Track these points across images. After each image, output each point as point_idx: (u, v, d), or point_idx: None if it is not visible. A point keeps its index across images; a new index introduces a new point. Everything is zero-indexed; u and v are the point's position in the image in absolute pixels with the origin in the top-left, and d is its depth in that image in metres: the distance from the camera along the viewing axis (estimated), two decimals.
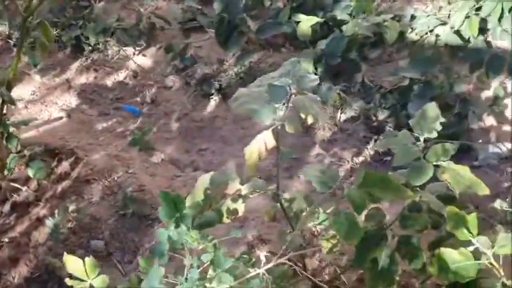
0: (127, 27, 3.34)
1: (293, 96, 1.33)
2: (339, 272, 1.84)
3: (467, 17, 2.77)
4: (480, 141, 2.60)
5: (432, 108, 1.60)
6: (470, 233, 1.34)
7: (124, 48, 3.32)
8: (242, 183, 1.44)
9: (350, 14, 2.98)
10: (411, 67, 2.71)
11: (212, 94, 3.01)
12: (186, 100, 3.02)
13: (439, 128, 1.55)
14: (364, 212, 1.51)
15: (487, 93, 2.82)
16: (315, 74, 2.81)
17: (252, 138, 2.79)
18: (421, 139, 1.55)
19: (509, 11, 3.03)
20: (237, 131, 2.85)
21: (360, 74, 2.87)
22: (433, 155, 1.52)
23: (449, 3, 3.17)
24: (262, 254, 1.77)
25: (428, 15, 3.13)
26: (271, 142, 1.32)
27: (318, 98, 1.36)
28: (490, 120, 2.72)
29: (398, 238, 1.44)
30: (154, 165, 2.69)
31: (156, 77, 3.18)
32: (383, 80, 2.80)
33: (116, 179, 2.48)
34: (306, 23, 2.85)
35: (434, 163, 1.51)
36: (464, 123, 2.61)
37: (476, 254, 1.33)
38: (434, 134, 1.53)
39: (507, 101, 2.80)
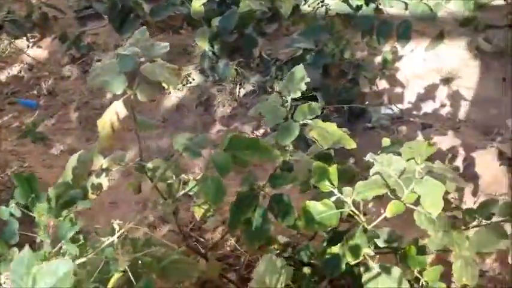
0: (18, 19, 3.19)
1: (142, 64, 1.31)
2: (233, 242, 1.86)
3: None
4: (368, 104, 2.68)
5: (299, 70, 1.63)
6: (332, 184, 1.39)
7: (17, 41, 3.18)
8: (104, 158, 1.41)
9: None
10: (303, 38, 2.75)
11: None
12: (85, 89, 2.94)
13: (304, 88, 1.58)
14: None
15: (380, 59, 2.92)
16: (211, 51, 2.82)
17: (156, 120, 2.79)
18: (289, 100, 1.59)
19: None
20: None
21: (257, 49, 2.89)
22: (300, 114, 1.56)
23: None
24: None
25: None
26: (123, 112, 1.30)
27: (168, 64, 1.34)
28: (382, 84, 2.82)
29: (270, 197, 1.47)
30: (54, 157, 2.61)
31: (52, 68, 3.09)
32: (280, 53, 2.83)
33: (9, 174, 2.39)
34: (198, 1, 2.83)
35: (302, 122, 1.55)
36: (357, 88, 2.69)
37: (340, 204, 1.38)
38: (298, 94, 1.56)
39: (399, 64, 2.91)
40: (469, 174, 2.35)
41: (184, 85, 2.91)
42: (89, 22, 3.32)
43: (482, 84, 2.69)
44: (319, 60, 2.65)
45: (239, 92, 2.77)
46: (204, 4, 2.99)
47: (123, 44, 3.09)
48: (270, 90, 2.67)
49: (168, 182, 1.43)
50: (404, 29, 2.81)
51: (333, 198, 1.38)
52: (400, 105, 2.72)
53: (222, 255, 1.71)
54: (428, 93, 2.72)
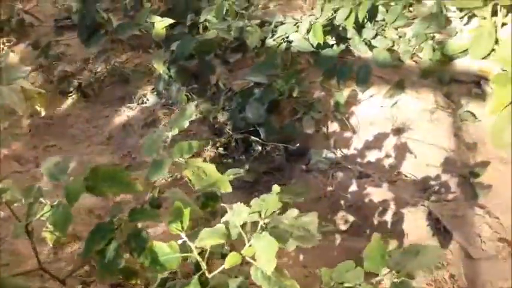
0: None
1: None
2: None
3: (311, 24, 2.83)
4: (310, 145, 2.64)
5: (190, 109, 1.63)
6: (183, 227, 1.37)
7: None
8: None
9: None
10: (257, 71, 2.75)
11: (71, 92, 3.00)
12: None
13: (186, 126, 1.58)
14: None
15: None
16: (168, 74, 2.85)
17: (102, 136, 2.82)
18: (169, 135, 1.58)
19: (369, 20, 3.13)
20: (88, 130, 2.85)
21: (215, 77, 2.90)
22: (178, 151, 1.55)
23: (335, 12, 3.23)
24: None
25: (296, 23, 3.20)
26: None
27: (19, 87, 1.35)
28: (334, 126, 2.78)
29: (129, 232, 1.46)
30: None
31: None
32: (233, 84, 2.83)
33: None
34: (160, 24, 2.87)
35: (178, 159, 1.54)
36: (302, 128, 2.66)
37: (186, 248, 1.36)
38: (176, 131, 1.55)
39: (355, 108, 2.87)
40: (396, 230, 2.29)
41: (138, 104, 2.94)
42: (65, 32, 3.40)
43: (432, 139, 2.62)
44: (266, 96, 2.64)
45: None
46: (171, 27, 3.05)
47: (92, 58, 3.21)
48: (212, 119, 2.66)
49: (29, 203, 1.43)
50: (363, 74, 2.80)
51: (180, 242, 1.36)
52: (345, 150, 2.67)
53: (81, 280, 1.69)
54: (376, 141, 2.66)
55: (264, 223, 1.29)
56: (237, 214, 1.34)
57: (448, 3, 3.02)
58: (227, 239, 1.30)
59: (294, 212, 1.42)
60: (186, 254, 1.34)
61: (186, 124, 1.57)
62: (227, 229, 1.31)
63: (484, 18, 2.85)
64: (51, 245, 1.49)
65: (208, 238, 1.30)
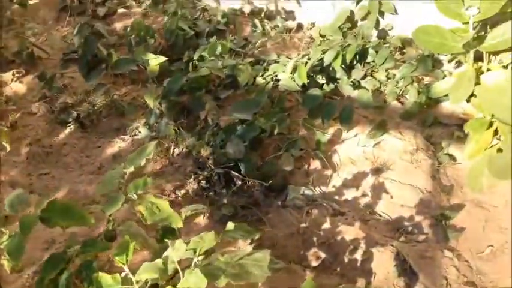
0: (8, 55, 3.52)
1: None
2: None
3: (296, 65, 2.94)
4: (289, 182, 2.72)
5: (150, 147, 1.74)
6: (127, 260, 1.47)
7: (4, 74, 3.50)
8: None
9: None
10: (241, 108, 2.86)
11: (69, 122, 3.17)
12: (44, 126, 3.17)
13: (143, 163, 1.68)
14: None
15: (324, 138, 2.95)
16: (159, 109, 2.99)
17: (93, 166, 2.95)
18: (127, 172, 1.69)
19: (358, 61, 3.23)
20: (81, 159, 2.99)
21: (204, 112, 3.03)
22: (133, 187, 1.66)
23: (323, 52, 3.36)
24: None
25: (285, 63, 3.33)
26: None
27: None
28: (315, 164, 2.86)
29: (81, 262, 1.56)
30: None
31: (24, 103, 3.35)
32: (220, 120, 2.94)
33: None
34: (154, 61, 3.03)
35: (133, 194, 1.64)
36: (281, 164, 2.75)
37: (128, 280, 1.45)
38: (132, 169, 1.66)
39: (338, 146, 2.95)
40: (365, 269, 2.33)
41: (131, 136, 3.08)
42: (71, 65, 3.59)
43: (410, 180, 2.67)
44: (248, 133, 2.74)
45: (173, 151, 2.89)
46: (170, 62, 3.21)
47: (91, 90, 3.38)
48: (196, 153, 2.77)
49: None
50: (347, 114, 2.89)
51: (123, 274, 1.45)
52: (323, 188, 2.74)
53: None
54: (355, 180, 2.72)
55: (198, 260, 1.37)
56: (176, 250, 1.43)
57: None
58: (164, 274, 1.39)
59: (247, 248, 1.50)
60: (127, 287, 1.43)
61: (143, 162, 1.68)
62: (165, 264, 1.40)
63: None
64: (8, 272, 1.60)
65: (146, 272, 1.39)
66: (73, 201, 2.21)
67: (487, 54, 2.84)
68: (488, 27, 2.87)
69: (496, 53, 2.85)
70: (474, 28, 2.70)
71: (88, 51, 3.14)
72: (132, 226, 1.66)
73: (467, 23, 2.68)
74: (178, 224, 1.62)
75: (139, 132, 3.05)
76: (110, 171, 1.77)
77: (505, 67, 2.83)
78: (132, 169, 1.66)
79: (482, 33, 2.84)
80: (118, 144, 3.02)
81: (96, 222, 2.21)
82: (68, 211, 1.52)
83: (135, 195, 1.63)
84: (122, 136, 3.08)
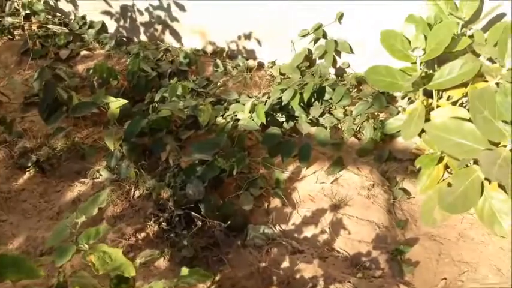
0: None
1: None
2: None
3: (254, 105, 3.01)
4: (249, 221, 2.75)
5: (103, 195, 1.76)
6: None
7: None
8: None
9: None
10: (201, 149, 2.90)
11: (29, 167, 3.15)
12: (3, 172, 3.14)
13: (95, 212, 1.70)
14: None
15: (284, 176, 3.01)
16: (119, 151, 3.00)
17: (52, 211, 2.93)
18: (79, 221, 1.70)
19: (316, 99, 3.31)
20: (40, 204, 2.97)
21: (165, 153, 3.05)
22: (85, 237, 1.67)
23: (282, 91, 3.44)
24: None
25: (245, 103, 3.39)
26: None
27: None
28: (275, 202, 2.90)
29: None
30: None
31: None
32: (181, 161, 2.98)
33: None
34: (114, 104, 3.06)
35: (84, 244, 1.65)
36: (241, 203, 2.78)
37: None
38: (83, 219, 1.67)
39: (298, 184, 3.00)
40: None
41: (92, 179, 3.07)
42: (32, 109, 3.59)
43: (367, 216, 2.73)
44: (208, 173, 2.77)
45: (134, 193, 2.90)
46: (133, 104, 3.24)
47: (51, 133, 3.38)
48: (157, 195, 2.79)
49: None
50: (305, 151, 2.95)
51: None
52: (283, 226, 2.77)
53: None
54: (314, 217, 2.77)
55: None
56: None
57: None
58: None
59: None
60: None
61: (95, 211, 1.69)
62: None
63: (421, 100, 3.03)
64: None
65: None
66: (26, 252, 2.18)
67: (436, 92, 2.96)
68: (436, 66, 3.01)
69: (446, 90, 2.97)
70: (422, 67, 2.82)
71: (48, 95, 3.15)
72: (84, 277, 1.66)
73: (415, 62, 2.80)
74: (131, 272, 1.63)
75: (100, 175, 3.06)
76: (61, 220, 1.77)
77: (454, 103, 2.96)
78: (83, 219, 1.67)
79: (431, 71, 2.97)
80: (78, 188, 3.01)
81: (51, 271, 2.21)
82: (18, 264, 1.52)
83: (86, 246, 1.63)
84: (82, 179, 3.08)
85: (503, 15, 2.95)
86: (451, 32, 2.63)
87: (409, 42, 2.78)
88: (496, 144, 2.43)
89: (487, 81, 2.78)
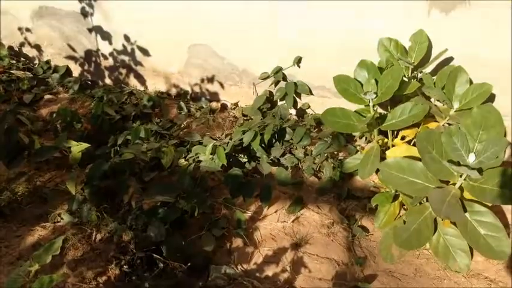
0: None
1: None
2: None
3: (215, 147, 3.08)
4: (211, 262, 2.77)
5: (58, 242, 1.77)
6: None
7: None
8: None
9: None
10: (163, 191, 2.94)
11: None
12: None
13: (49, 260, 1.71)
14: None
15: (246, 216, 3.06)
16: (81, 195, 3.00)
17: (12, 256, 2.88)
18: (32, 269, 1.71)
19: (277, 140, 3.40)
20: (0, 250, 2.92)
21: (128, 196, 3.07)
22: (39, 285, 1.67)
23: (243, 133, 3.51)
24: None
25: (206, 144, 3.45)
26: None
27: None
28: (237, 242, 2.93)
29: None
30: None
31: None
32: (143, 203, 2.99)
33: None
34: (76, 148, 3.08)
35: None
36: (203, 244, 2.80)
37: None
38: (37, 267, 1.68)
39: (260, 223, 3.05)
40: None
41: (53, 223, 3.05)
42: None
43: (327, 254, 2.79)
44: (169, 215, 2.80)
45: (95, 236, 2.89)
46: (96, 147, 3.26)
47: (11, 178, 3.35)
48: (117, 239, 2.79)
49: None
50: (266, 191, 3.01)
51: None
52: (245, 265, 2.80)
53: None
54: (275, 256, 2.81)
55: None
56: None
57: None
58: None
59: None
60: None
61: (49, 259, 1.70)
62: None
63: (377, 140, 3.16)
64: None
65: None
66: None
67: (391, 131, 3.09)
68: (389, 107, 3.16)
69: (400, 129, 3.11)
70: (376, 109, 2.96)
71: (10, 139, 3.15)
72: None
73: (369, 105, 2.94)
74: None
75: (62, 218, 3.04)
76: (15, 269, 1.77)
77: (409, 142, 3.10)
78: (37, 267, 1.68)
79: (385, 112, 3.12)
80: (39, 233, 2.98)
81: None
82: None
83: None
84: (44, 224, 3.05)
85: (450, 59, 3.14)
86: (399, 76, 2.78)
87: (362, 86, 2.92)
88: (447, 182, 2.55)
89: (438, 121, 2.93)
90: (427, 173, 2.53)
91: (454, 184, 2.50)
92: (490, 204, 2.43)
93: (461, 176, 2.44)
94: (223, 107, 4.20)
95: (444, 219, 2.47)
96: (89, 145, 3.10)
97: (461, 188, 2.47)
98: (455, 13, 2.98)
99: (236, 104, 4.13)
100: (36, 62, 4.77)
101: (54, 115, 3.79)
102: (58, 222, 3.06)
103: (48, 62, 4.67)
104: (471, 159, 2.36)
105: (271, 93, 3.92)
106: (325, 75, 3.50)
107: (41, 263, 1.69)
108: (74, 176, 2.97)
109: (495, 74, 2.94)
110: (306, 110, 3.90)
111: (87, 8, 4.19)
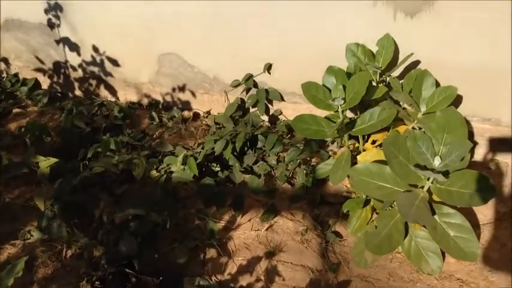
0: None
1: None
2: None
3: (186, 157, 3.06)
4: (184, 274, 2.74)
5: (21, 263, 1.73)
6: None
7: None
8: None
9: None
10: (134, 203, 2.90)
11: None
12: None
13: (11, 283, 1.67)
14: None
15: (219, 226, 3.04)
16: (51, 210, 2.95)
17: None
18: None
19: (250, 148, 3.39)
20: None
21: (99, 210, 3.02)
22: None
23: (215, 141, 3.49)
24: None
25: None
26: None
27: None
28: (212, 253, 2.91)
29: None
30: None
31: None
32: (115, 217, 2.95)
33: None
34: (46, 163, 3.03)
35: None
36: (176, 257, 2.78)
37: None
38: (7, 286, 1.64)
39: (234, 233, 3.03)
40: None
41: (23, 240, 2.99)
42: None
43: (301, 261, 2.79)
44: (141, 228, 2.77)
45: (66, 253, 2.84)
46: (65, 161, 3.21)
47: None
48: (87, 255, 2.75)
49: None
50: (238, 200, 2.99)
51: None
52: (220, 276, 2.78)
53: None
54: (249, 266, 2.80)
55: None
56: None
57: None
58: None
59: None
60: None
61: (11, 282, 1.66)
62: None
63: (348, 145, 3.16)
64: None
65: None
66: None
67: (361, 136, 3.11)
68: (358, 112, 3.18)
69: (371, 133, 3.13)
70: (345, 114, 2.97)
71: None
72: None
73: (338, 111, 2.95)
74: None
75: (31, 235, 2.98)
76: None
77: (380, 146, 3.11)
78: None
79: (355, 117, 3.13)
80: (8, 251, 2.92)
81: None
82: None
83: None
84: (13, 241, 2.99)
85: (417, 62, 3.17)
86: (366, 81, 2.80)
87: (330, 92, 2.93)
88: (415, 186, 2.57)
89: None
90: (395, 177, 2.54)
91: (423, 187, 2.52)
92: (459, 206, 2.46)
93: (428, 179, 2.46)
94: (196, 115, 4.18)
95: (413, 223, 2.49)
96: (57, 160, 3.05)
97: (429, 191, 2.49)
98: (420, 16, 3.01)
99: (208, 112, 4.11)
100: (4, 75, 4.69)
101: (23, 129, 3.72)
102: (28, 239, 3.00)
103: (16, 75, 4.59)
104: (437, 162, 2.38)
105: (243, 100, 3.91)
106: (296, 81, 3.50)
107: (2, 286, 1.65)
108: (43, 192, 2.92)
109: (460, 76, 2.98)
110: (279, 117, 3.90)
111: (53, 20, 4.13)
